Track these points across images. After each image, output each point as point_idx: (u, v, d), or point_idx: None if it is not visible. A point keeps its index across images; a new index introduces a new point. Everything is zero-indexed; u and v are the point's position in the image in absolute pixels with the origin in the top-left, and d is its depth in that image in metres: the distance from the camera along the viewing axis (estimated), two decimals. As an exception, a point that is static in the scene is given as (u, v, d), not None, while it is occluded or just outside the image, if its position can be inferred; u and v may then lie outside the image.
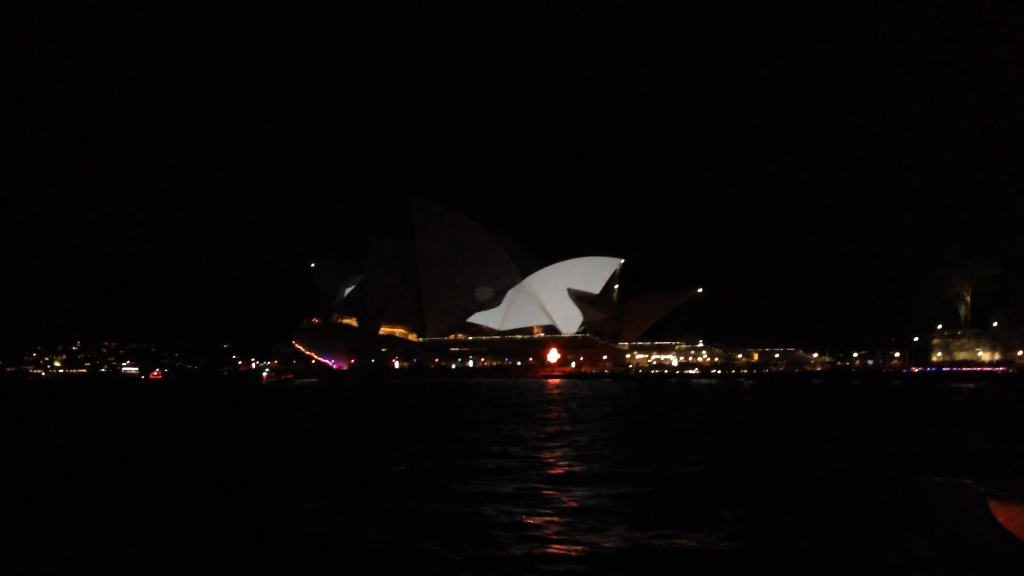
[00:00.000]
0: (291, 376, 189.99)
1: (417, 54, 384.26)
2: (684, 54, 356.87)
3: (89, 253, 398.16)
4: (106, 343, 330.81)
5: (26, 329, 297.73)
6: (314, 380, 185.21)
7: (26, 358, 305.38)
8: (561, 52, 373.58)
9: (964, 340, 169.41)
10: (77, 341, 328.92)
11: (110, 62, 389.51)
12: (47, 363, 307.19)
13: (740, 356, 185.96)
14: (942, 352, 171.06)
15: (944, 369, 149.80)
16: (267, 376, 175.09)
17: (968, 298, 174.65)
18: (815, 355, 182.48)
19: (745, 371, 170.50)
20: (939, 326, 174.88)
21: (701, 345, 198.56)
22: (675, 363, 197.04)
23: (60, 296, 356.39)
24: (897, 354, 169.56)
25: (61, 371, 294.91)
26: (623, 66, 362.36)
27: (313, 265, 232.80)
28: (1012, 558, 13.37)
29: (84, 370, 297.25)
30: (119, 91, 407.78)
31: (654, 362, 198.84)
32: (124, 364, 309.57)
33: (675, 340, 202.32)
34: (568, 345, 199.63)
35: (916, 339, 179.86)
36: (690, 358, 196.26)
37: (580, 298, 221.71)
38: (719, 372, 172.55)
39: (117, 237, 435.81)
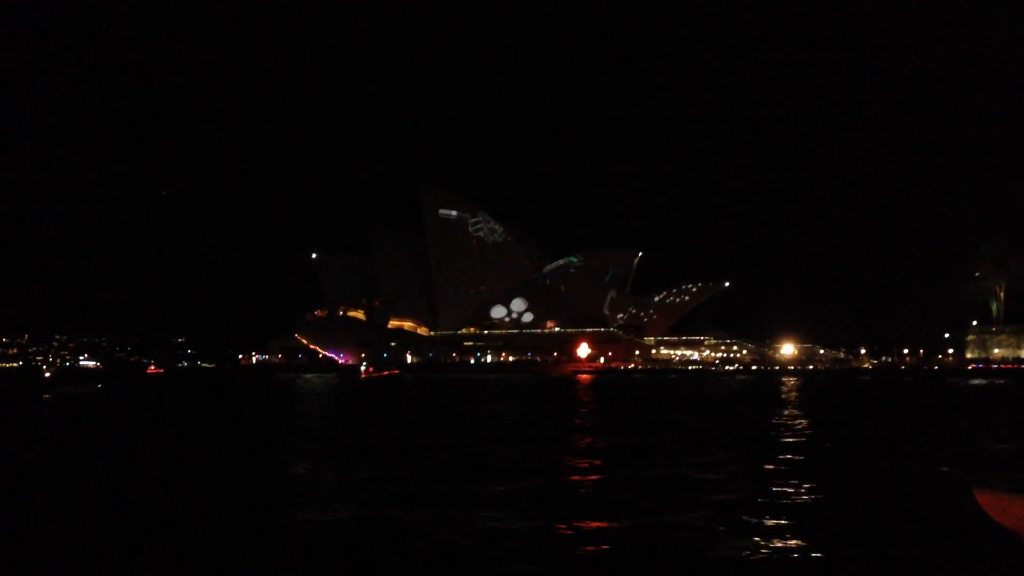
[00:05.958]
0: (396, 371, 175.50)
1: (428, 42, 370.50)
2: (711, 45, 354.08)
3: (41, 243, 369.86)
4: (57, 336, 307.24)
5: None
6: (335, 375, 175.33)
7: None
8: (581, 43, 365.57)
9: (1002, 336, 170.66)
10: (24, 334, 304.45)
11: (108, 48, 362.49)
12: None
13: (780, 352, 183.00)
14: (977, 349, 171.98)
15: (1003, 366, 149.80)
16: (365, 372, 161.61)
17: (1002, 294, 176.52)
18: (863, 351, 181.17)
19: (791, 367, 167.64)
20: (974, 322, 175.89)
21: (732, 341, 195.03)
22: (697, 358, 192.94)
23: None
24: (951, 351, 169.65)
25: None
26: (645, 56, 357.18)
27: (315, 256, 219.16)
28: (995, 543, 13.77)
29: (16, 364, 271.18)
30: (115, 76, 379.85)
31: (681, 356, 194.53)
32: (82, 358, 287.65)
33: (702, 335, 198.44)
34: (595, 340, 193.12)
35: (947, 335, 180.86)
36: (719, 354, 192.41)
37: (598, 292, 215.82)
38: (762, 368, 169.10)
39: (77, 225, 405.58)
